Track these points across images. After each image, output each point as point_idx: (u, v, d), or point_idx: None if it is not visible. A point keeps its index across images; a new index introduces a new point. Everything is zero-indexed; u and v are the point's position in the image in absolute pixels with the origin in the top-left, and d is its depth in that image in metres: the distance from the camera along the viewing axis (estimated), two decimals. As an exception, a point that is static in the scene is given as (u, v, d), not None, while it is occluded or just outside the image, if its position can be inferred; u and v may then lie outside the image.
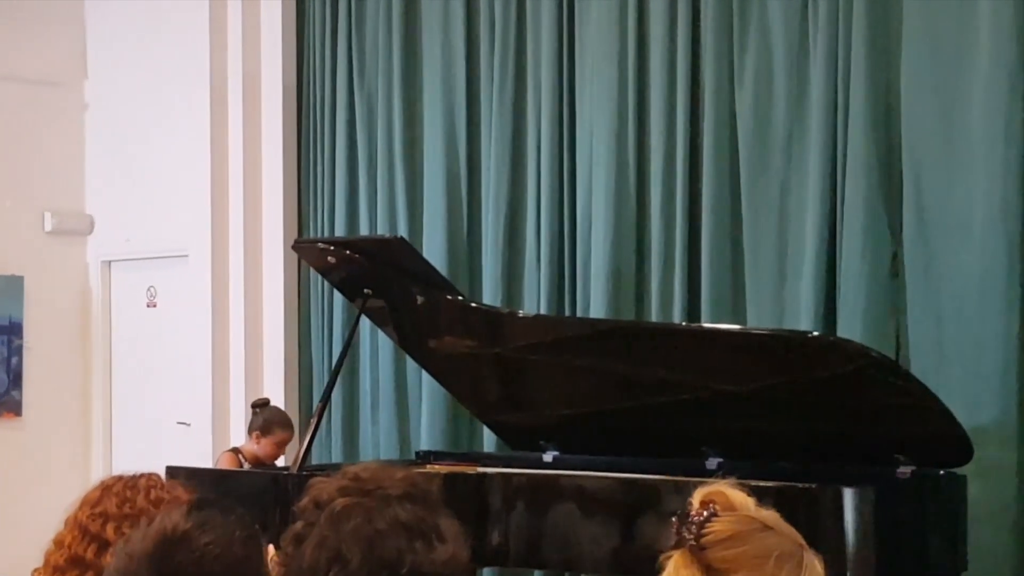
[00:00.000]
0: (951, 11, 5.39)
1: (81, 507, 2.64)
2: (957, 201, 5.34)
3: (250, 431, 6.49)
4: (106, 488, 2.66)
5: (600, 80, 6.54)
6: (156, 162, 8.60)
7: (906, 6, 5.52)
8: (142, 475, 2.70)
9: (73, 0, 9.07)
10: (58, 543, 2.63)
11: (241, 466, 6.35)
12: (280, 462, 6.66)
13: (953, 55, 5.38)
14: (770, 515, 2.03)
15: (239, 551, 2.06)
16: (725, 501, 2.02)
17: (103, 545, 2.57)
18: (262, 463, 6.42)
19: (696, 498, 2.03)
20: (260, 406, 6.59)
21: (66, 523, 2.65)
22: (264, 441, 6.40)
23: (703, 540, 1.98)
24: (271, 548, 2.16)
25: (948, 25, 5.39)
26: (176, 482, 2.76)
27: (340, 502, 2.00)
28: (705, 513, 2.00)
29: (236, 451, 6.51)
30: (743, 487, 2.06)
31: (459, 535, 2.03)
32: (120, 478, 2.69)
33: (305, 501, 2.03)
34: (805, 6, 5.85)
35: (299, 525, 2.02)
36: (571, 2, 6.74)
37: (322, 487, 2.03)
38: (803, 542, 2.04)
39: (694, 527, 1.99)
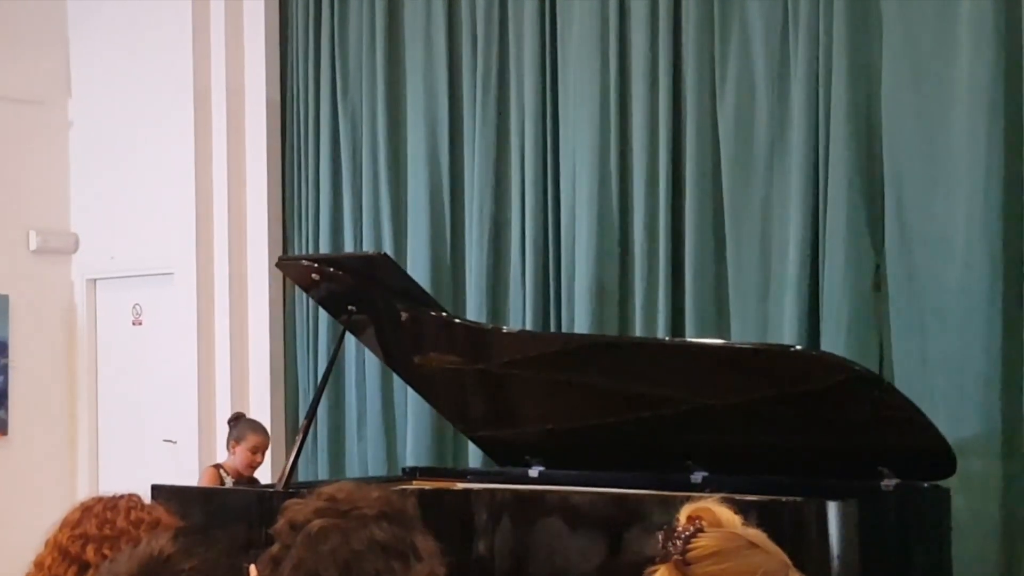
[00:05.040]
0: (931, 25, 5.41)
1: (61, 528, 2.64)
2: (939, 214, 5.35)
3: (228, 445, 6.53)
4: (86, 509, 2.65)
5: (582, 95, 6.56)
6: (140, 180, 8.60)
7: (886, 21, 5.54)
8: (122, 496, 2.69)
9: (56, 19, 9.07)
10: (38, 565, 2.62)
11: (223, 482, 6.37)
12: (264, 473, 6.66)
13: (933, 68, 5.40)
14: (756, 533, 2.04)
15: None
16: (712, 517, 2.02)
17: (83, 567, 2.56)
18: (242, 475, 6.43)
19: (683, 513, 2.04)
20: (234, 419, 6.65)
21: (46, 545, 2.64)
22: (239, 449, 6.45)
23: (688, 555, 1.98)
24: (252, 569, 2.16)
25: (928, 38, 5.41)
26: (157, 503, 2.76)
27: (316, 524, 1.99)
28: (691, 528, 2.01)
29: (218, 467, 6.52)
30: (731, 505, 2.06)
31: (436, 553, 2.03)
32: (100, 499, 2.68)
33: (281, 523, 2.03)
34: (785, 22, 5.87)
35: (276, 547, 2.02)
36: (553, 18, 6.76)
37: (297, 509, 2.03)
38: (788, 561, 2.04)
39: (680, 542, 2.00)
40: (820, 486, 4.61)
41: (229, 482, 6.37)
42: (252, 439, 6.48)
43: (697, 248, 6.10)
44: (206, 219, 8.24)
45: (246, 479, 6.44)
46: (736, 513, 2.06)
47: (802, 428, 4.78)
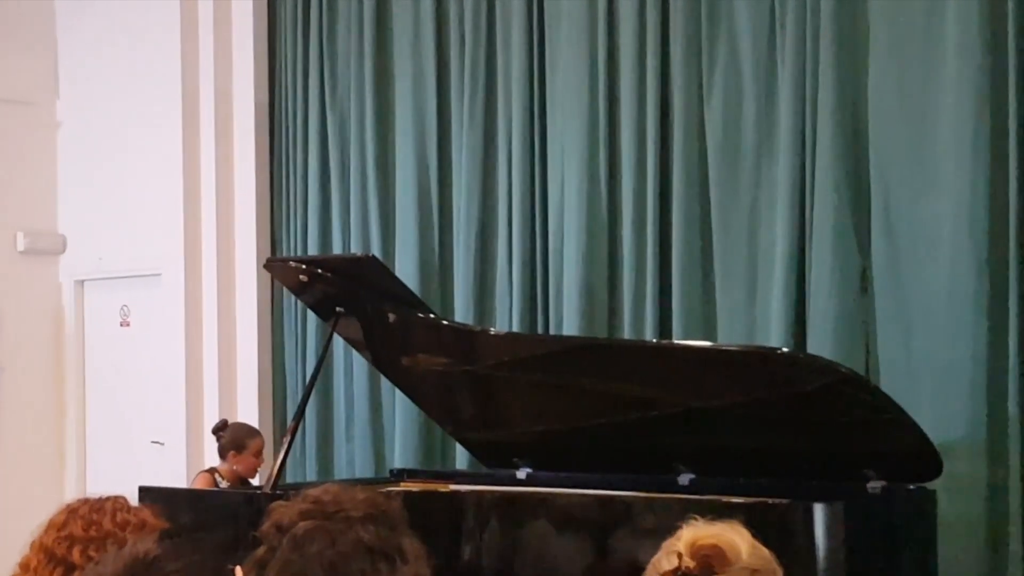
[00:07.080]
0: (918, 29, 5.42)
1: (47, 530, 2.64)
2: (925, 217, 5.37)
3: (223, 454, 6.46)
4: (72, 511, 2.66)
5: (570, 97, 6.57)
6: (129, 181, 8.59)
7: (873, 25, 5.56)
8: (108, 498, 2.70)
9: (45, 19, 9.06)
10: (24, 567, 2.62)
11: (217, 486, 6.33)
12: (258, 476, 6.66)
13: (920, 71, 5.41)
14: (754, 558, 2.01)
15: None
16: (719, 555, 1.99)
17: (69, 568, 2.57)
18: (242, 478, 6.41)
19: (684, 544, 2.00)
20: (221, 428, 6.57)
21: (32, 547, 2.64)
22: (241, 457, 6.40)
23: None
24: (239, 571, 2.16)
25: (915, 42, 5.43)
26: (143, 505, 2.76)
27: (302, 526, 2.00)
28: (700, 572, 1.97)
29: (212, 471, 6.48)
30: (739, 524, 2.03)
31: (421, 554, 2.04)
32: (86, 501, 2.69)
33: (267, 526, 2.03)
34: (772, 27, 5.88)
35: (262, 550, 2.02)
36: (541, 21, 6.77)
37: (283, 511, 2.03)
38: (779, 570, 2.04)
39: None
40: (806, 488, 4.62)
41: (224, 486, 6.34)
42: (254, 444, 6.46)
43: (684, 250, 6.11)
44: (194, 220, 8.24)
45: (239, 482, 6.42)
46: (735, 528, 2.03)
47: (788, 430, 4.78)
